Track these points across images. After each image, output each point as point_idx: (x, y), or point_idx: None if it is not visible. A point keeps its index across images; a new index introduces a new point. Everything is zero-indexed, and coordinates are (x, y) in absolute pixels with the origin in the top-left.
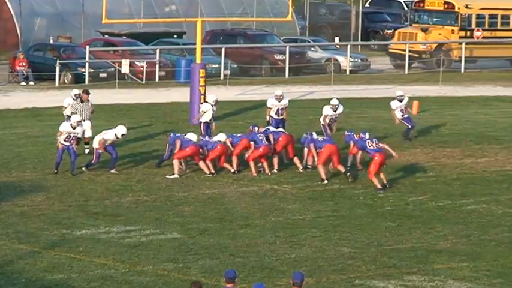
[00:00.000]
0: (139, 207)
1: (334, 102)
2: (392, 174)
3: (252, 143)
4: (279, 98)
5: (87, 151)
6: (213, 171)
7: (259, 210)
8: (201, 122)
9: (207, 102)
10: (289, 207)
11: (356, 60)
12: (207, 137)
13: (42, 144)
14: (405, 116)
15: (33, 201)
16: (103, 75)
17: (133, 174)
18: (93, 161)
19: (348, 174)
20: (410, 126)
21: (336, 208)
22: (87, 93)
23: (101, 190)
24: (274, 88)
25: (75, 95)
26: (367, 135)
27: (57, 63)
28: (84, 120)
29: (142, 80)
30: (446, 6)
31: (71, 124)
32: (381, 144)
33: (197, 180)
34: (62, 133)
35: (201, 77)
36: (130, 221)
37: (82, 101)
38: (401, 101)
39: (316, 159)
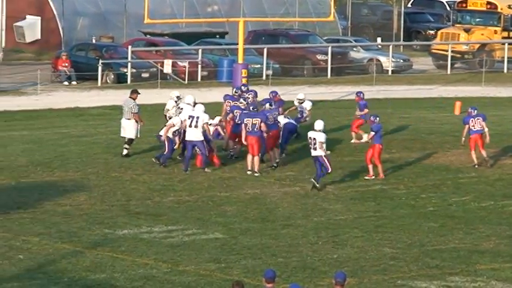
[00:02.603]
0: (181, 207)
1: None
2: (434, 175)
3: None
4: (301, 101)
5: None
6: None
7: (302, 210)
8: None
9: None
10: (331, 207)
11: (398, 60)
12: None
13: (84, 143)
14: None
15: (76, 201)
16: (145, 75)
17: (175, 174)
18: (165, 153)
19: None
20: None
21: (378, 208)
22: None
23: (143, 190)
24: (317, 88)
25: (177, 96)
26: (474, 112)
27: (100, 63)
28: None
29: (184, 80)
30: (488, 6)
31: (181, 120)
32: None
33: (239, 180)
34: (174, 125)
35: (243, 77)
36: (173, 221)
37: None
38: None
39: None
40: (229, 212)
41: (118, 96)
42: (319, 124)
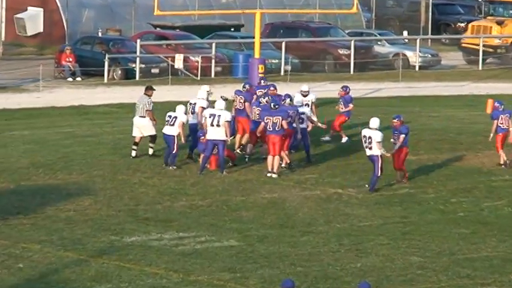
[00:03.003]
0: (194, 212)
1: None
2: (465, 178)
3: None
4: (305, 94)
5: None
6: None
7: (323, 216)
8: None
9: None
10: (355, 212)
11: (426, 55)
12: None
13: (89, 144)
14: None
15: (80, 206)
16: (155, 70)
17: (187, 176)
18: (174, 151)
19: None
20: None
21: (404, 214)
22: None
23: (153, 194)
24: (338, 85)
25: (207, 91)
26: (501, 108)
27: (106, 58)
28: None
29: (197, 76)
30: None
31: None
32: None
33: (256, 184)
34: (184, 124)
35: (260, 73)
36: (184, 227)
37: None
38: None
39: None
40: (245, 218)
41: (125, 94)
42: (374, 122)
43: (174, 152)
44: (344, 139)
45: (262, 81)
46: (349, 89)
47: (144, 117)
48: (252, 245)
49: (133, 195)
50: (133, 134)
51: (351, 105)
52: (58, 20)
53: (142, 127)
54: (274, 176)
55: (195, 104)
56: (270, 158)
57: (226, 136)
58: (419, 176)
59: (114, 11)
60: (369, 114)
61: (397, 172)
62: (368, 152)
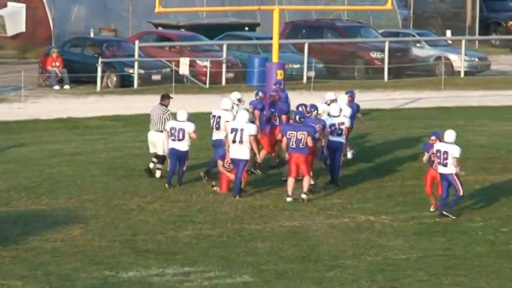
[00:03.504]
0: (201, 243)
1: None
2: None
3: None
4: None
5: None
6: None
7: (352, 248)
8: None
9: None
10: (390, 244)
11: (473, 59)
12: None
13: (79, 163)
14: None
15: (68, 236)
16: (156, 77)
17: (194, 201)
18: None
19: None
20: None
21: (448, 245)
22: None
23: (153, 222)
24: (370, 94)
25: (238, 99)
26: None
27: (99, 63)
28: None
29: (205, 84)
30: None
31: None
32: None
33: (274, 210)
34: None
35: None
36: (190, 261)
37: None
38: None
39: None
40: (261, 250)
41: (122, 104)
42: (450, 134)
43: (184, 169)
44: (349, 154)
45: (275, 85)
46: (355, 95)
47: (161, 131)
48: (269, 282)
49: (131, 224)
50: (151, 151)
51: (359, 115)
52: (43, 17)
53: (158, 143)
54: (303, 196)
55: (219, 117)
56: (290, 180)
57: (254, 153)
58: (465, 201)
59: (108, 8)
60: (405, 127)
61: (431, 197)
62: (441, 170)
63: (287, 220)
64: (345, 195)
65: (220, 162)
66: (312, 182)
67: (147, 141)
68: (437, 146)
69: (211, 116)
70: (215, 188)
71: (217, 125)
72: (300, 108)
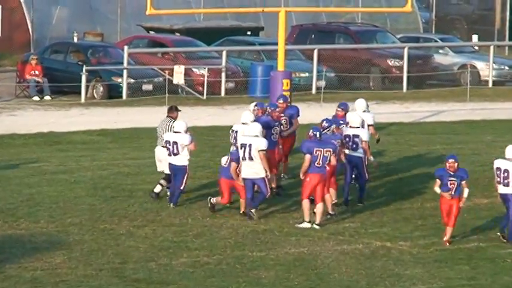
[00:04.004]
0: (198, 271)
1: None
2: None
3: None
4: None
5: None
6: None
7: (366, 277)
8: None
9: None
10: (408, 273)
11: (502, 67)
12: None
13: (62, 183)
14: None
15: (49, 263)
16: (147, 87)
17: (189, 225)
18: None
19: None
20: None
21: (473, 274)
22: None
23: (144, 248)
24: (388, 106)
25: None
26: None
27: (84, 71)
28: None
29: (202, 95)
30: None
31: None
32: None
33: (278, 235)
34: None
35: (285, 91)
36: None
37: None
38: None
39: None
40: (265, 279)
41: (109, 117)
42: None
43: (182, 188)
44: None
45: (280, 100)
46: (348, 108)
47: None
48: None
49: (119, 250)
50: (158, 170)
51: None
52: (21, 20)
53: (164, 160)
54: (316, 226)
55: (237, 131)
56: (305, 202)
57: (265, 170)
58: (493, 226)
59: (94, 9)
60: (426, 143)
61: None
62: (502, 190)
63: (293, 246)
64: (359, 219)
65: (234, 165)
66: (335, 200)
67: (149, 158)
68: (498, 163)
69: (230, 131)
70: (213, 200)
71: (235, 140)
72: (325, 123)
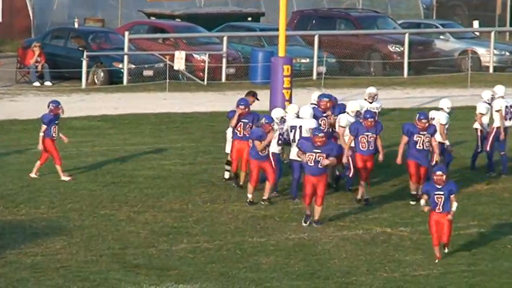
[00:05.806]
0: (198, 257)
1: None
2: None
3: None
4: (373, 98)
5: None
6: None
7: (366, 263)
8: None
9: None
10: (408, 258)
11: (503, 53)
12: None
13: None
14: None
15: (50, 249)
16: (148, 73)
17: (190, 211)
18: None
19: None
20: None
21: (473, 260)
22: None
23: (145, 234)
24: (388, 92)
25: (281, 118)
26: None
27: (85, 56)
28: None
29: (203, 80)
30: None
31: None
32: None
33: (279, 221)
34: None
35: (286, 76)
36: (186, 277)
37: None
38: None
39: None
40: (265, 265)
41: (110, 103)
42: None
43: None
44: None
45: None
46: (337, 100)
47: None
48: None
49: (120, 236)
50: (227, 151)
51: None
52: (21, 6)
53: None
54: (316, 225)
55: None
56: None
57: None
58: (492, 211)
59: None
60: None
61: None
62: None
63: (294, 232)
64: (359, 205)
65: (257, 143)
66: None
67: (150, 144)
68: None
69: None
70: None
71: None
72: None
